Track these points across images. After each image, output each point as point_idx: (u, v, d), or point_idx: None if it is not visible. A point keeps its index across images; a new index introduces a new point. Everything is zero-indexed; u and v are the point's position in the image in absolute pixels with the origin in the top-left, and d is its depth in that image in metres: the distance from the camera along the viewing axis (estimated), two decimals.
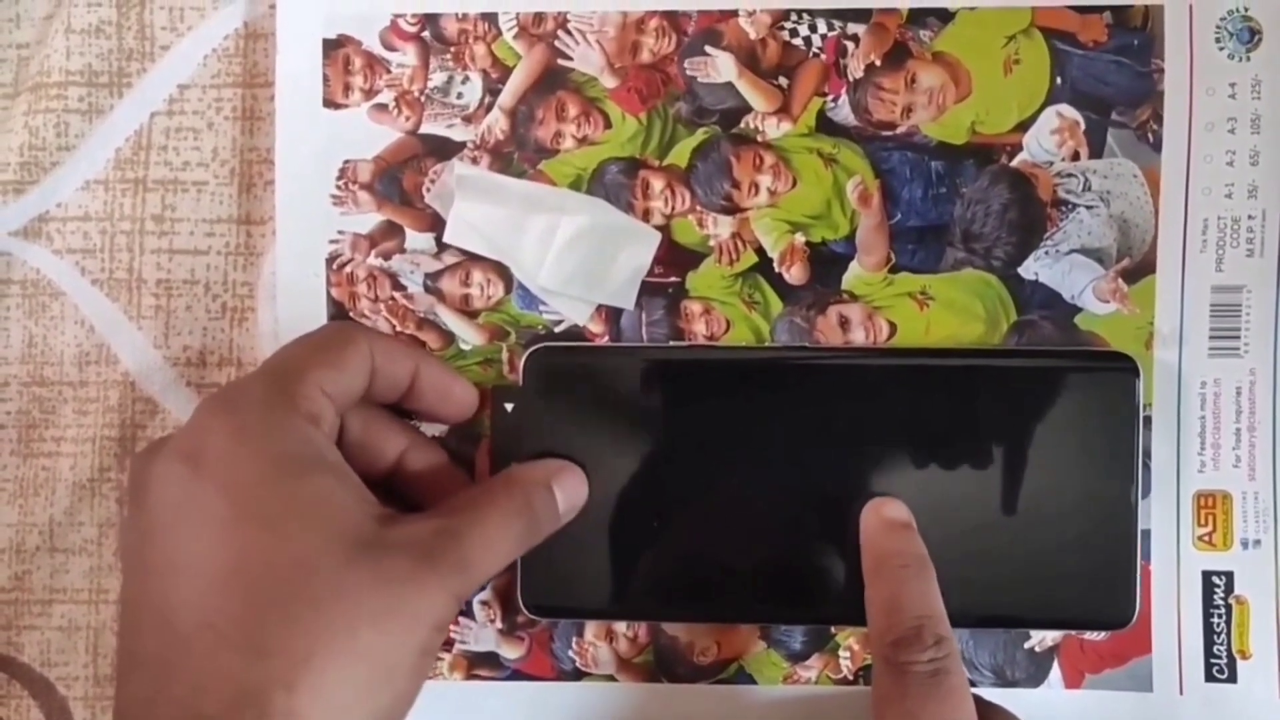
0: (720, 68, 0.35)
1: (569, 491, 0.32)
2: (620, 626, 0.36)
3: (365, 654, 0.26)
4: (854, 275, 0.35)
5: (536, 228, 0.35)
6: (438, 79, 0.35)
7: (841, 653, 0.35)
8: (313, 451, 0.28)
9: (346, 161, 0.36)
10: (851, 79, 0.35)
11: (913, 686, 0.29)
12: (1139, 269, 0.35)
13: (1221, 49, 0.34)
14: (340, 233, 0.36)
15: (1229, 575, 0.34)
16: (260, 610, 0.25)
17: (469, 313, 0.36)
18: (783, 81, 0.35)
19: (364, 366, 0.31)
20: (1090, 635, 0.35)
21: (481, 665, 0.36)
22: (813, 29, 0.35)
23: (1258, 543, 0.34)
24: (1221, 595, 0.34)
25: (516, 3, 0.35)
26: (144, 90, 0.37)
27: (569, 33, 0.35)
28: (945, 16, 0.35)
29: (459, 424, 0.35)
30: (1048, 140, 0.35)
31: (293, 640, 0.25)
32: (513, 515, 0.30)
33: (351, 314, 0.36)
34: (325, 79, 0.36)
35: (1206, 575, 0.34)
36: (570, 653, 0.36)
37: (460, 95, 0.35)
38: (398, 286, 0.36)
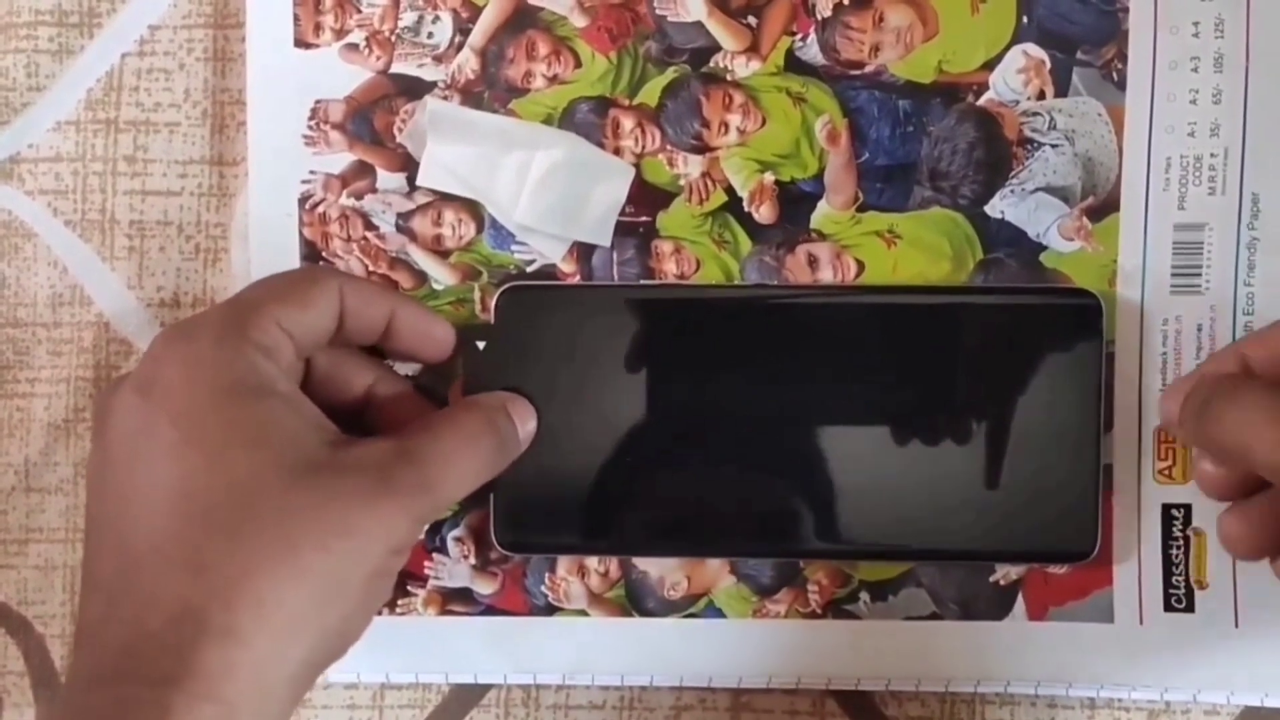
0: (689, 6, 0.35)
1: (523, 418, 0.33)
2: (592, 562, 0.36)
3: (308, 573, 0.26)
4: (822, 214, 0.35)
5: (511, 165, 0.35)
6: (408, 18, 0.35)
7: (810, 587, 0.36)
8: (261, 380, 0.28)
9: (318, 101, 0.36)
10: (820, 18, 0.35)
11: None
12: (1103, 207, 0.35)
13: None
14: (312, 173, 0.36)
15: (1187, 508, 0.35)
16: (204, 531, 0.26)
17: (441, 252, 0.36)
18: (752, 20, 0.35)
19: (330, 307, 0.31)
20: (1053, 568, 0.35)
21: (455, 601, 0.36)
22: None
23: None
24: (1180, 527, 0.35)
25: None
26: (114, 31, 0.37)
27: None
28: None
29: (438, 364, 0.35)
30: (1014, 79, 0.35)
31: (233, 559, 0.26)
32: (476, 436, 0.31)
33: (324, 254, 0.36)
34: (296, 19, 0.36)
35: (1166, 508, 0.35)
36: (543, 588, 0.36)
37: (431, 35, 0.36)
38: (370, 226, 0.36)
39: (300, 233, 0.36)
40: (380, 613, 0.36)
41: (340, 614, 0.27)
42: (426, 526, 0.32)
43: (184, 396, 0.27)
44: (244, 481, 0.26)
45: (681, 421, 0.35)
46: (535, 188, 0.35)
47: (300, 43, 0.36)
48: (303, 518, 0.26)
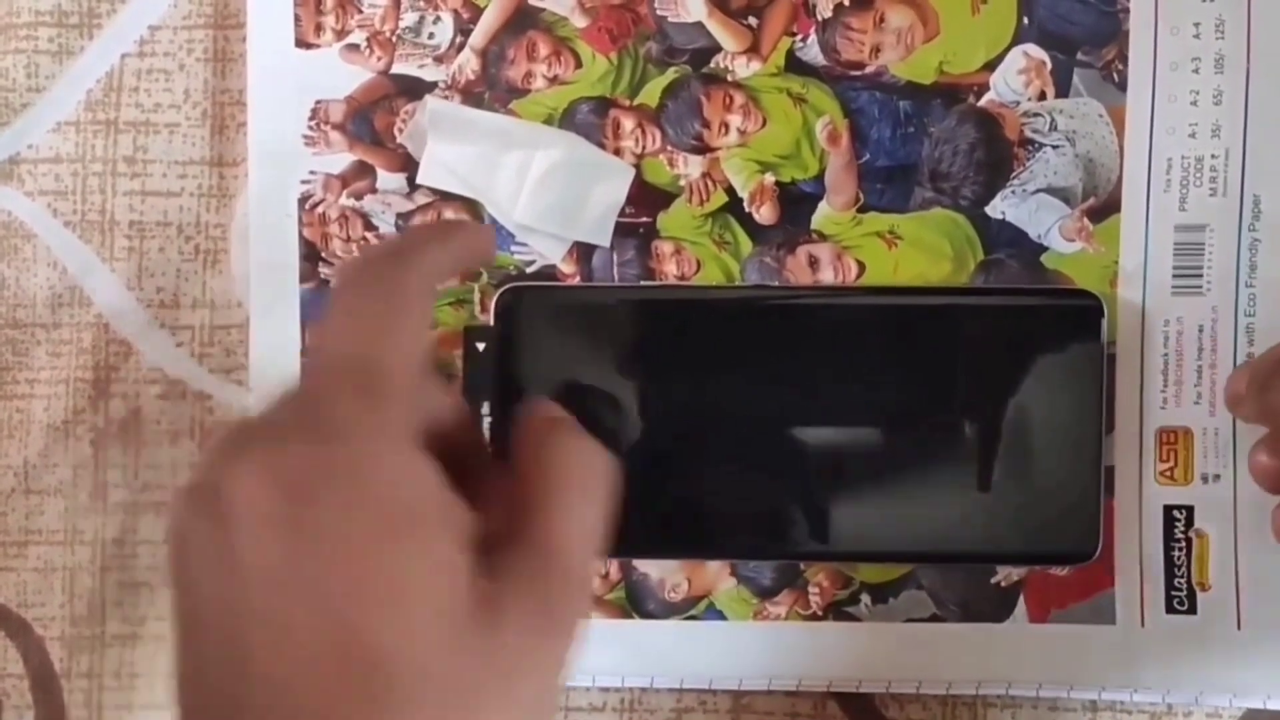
0: (690, 7, 0.35)
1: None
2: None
3: None
4: (823, 215, 0.35)
5: (510, 164, 0.35)
6: (409, 19, 0.35)
7: (810, 589, 0.36)
8: (417, 494, 0.21)
9: (318, 102, 0.36)
10: (820, 18, 0.35)
11: None
12: (1104, 208, 0.35)
13: None
14: (312, 173, 0.36)
15: (1189, 509, 0.35)
16: (363, 711, 0.20)
17: None
18: (752, 21, 0.35)
19: (428, 307, 0.25)
20: (1055, 570, 0.35)
21: None
22: None
23: (1217, 477, 0.35)
24: (1182, 529, 0.35)
25: None
26: (114, 31, 0.37)
27: None
28: None
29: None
30: (1015, 80, 0.35)
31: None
32: (592, 500, 0.25)
33: (323, 254, 0.36)
34: (297, 19, 0.36)
35: (1168, 509, 0.35)
36: None
37: (432, 35, 0.36)
38: (370, 227, 0.36)
39: (300, 233, 0.36)
40: None
41: None
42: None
43: (295, 535, 0.20)
44: (396, 650, 0.20)
45: (682, 423, 0.34)
46: (535, 187, 0.35)
47: (301, 43, 0.36)
48: (479, 680, 0.21)
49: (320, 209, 0.36)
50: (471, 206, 0.36)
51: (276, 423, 0.22)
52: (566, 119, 0.35)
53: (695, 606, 0.36)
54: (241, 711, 0.20)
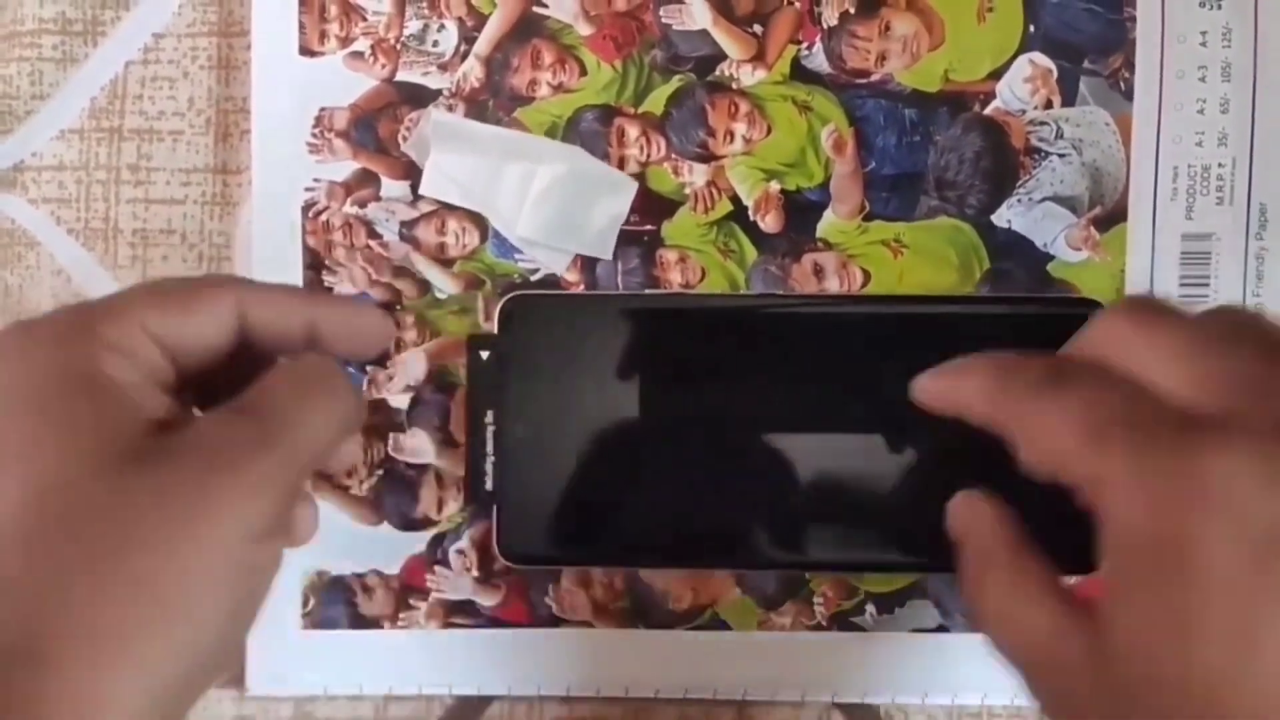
0: (695, 15, 0.35)
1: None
2: (596, 573, 0.36)
3: (137, 582, 0.22)
4: (828, 223, 0.35)
5: (513, 176, 0.35)
6: (413, 26, 0.35)
7: (815, 599, 0.36)
8: (89, 375, 0.23)
9: (322, 109, 0.36)
10: (826, 26, 0.35)
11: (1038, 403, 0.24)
12: (1110, 217, 0.35)
13: None
14: (316, 180, 0.36)
15: None
16: (12, 550, 0.22)
17: (444, 261, 0.36)
18: (757, 29, 0.35)
19: (220, 317, 0.26)
20: (1063, 580, 0.35)
21: (458, 613, 0.36)
22: None
23: None
24: None
25: None
26: (119, 39, 0.37)
27: None
28: None
29: (373, 358, 0.33)
30: (1020, 88, 0.35)
31: (41, 576, 0.22)
32: (316, 377, 0.26)
33: (327, 261, 0.36)
34: (301, 27, 0.36)
35: None
36: (547, 599, 0.36)
37: (436, 43, 0.35)
38: (373, 234, 0.36)
39: (304, 241, 0.36)
40: (382, 625, 0.36)
41: (194, 625, 0.23)
42: (307, 510, 0.27)
43: (6, 398, 0.23)
44: (52, 486, 0.22)
45: (685, 433, 0.34)
46: (537, 201, 0.35)
47: (305, 51, 0.36)
48: (123, 519, 0.22)
49: (324, 216, 0.36)
50: (475, 215, 0.36)
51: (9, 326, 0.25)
52: (571, 127, 0.35)
53: (700, 617, 0.36)
54: None
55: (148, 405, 0.24)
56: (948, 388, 0.27)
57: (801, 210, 0.35)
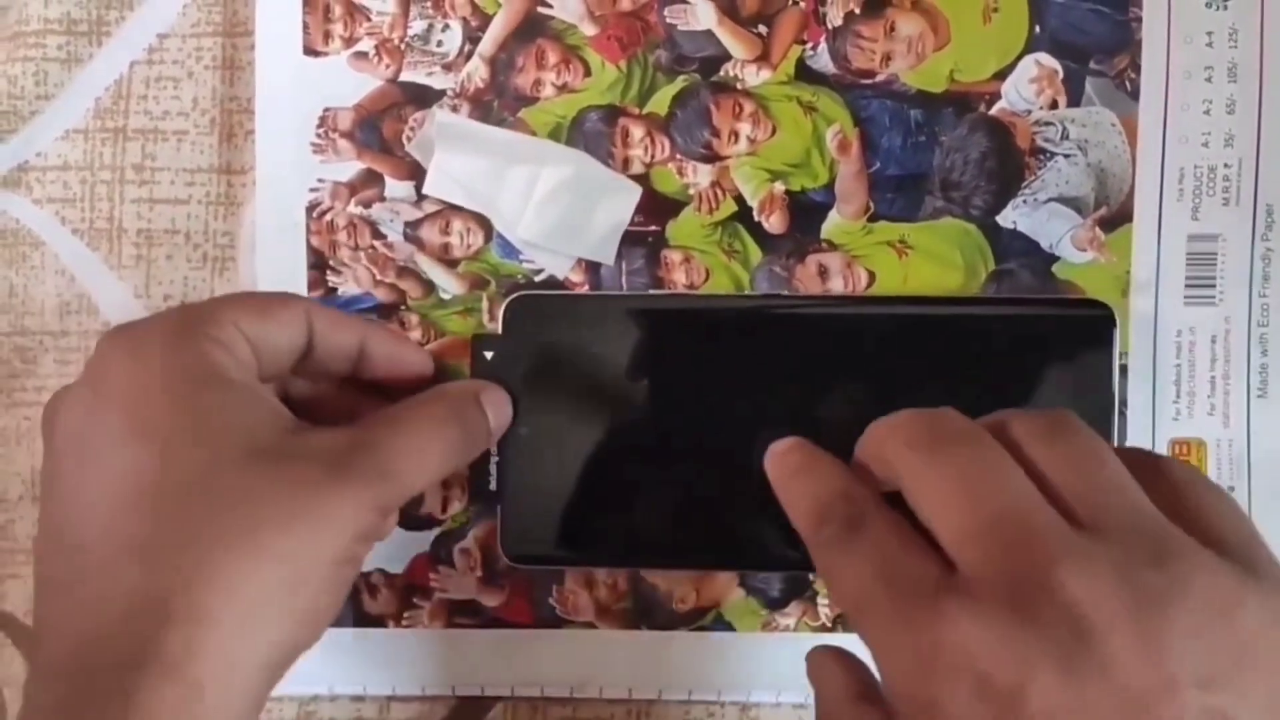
0: (700, 15, 0.35)
1: (497, 408, 0.32)
2: (600, 574, 0.36)
3: (270, 555, 0.26)
4: (833, 224, 0.35)
5: (517, 179, 0.35)
6: (418, 27, 0.35)
7: (820, 600, 0.36)
8: (213, 369, 0.27)
9: (327, 109, 0.36)
10: (831, 27, 0.35)
11: (822, 560, 0.26)
12: (1116, 218, 0.35)
13: None
14: (320, 181, 0.36)
15: None
16: (157, 521, 0.25)
17: (449, 261, 0.36)
18: (762, 29, 0.35)
19: (296, 325, 0.30)
20: None
21: (461, 613, 0.36)
22: None
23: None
24: None
25: None
26: (123, 39, 0.37)
27: None
28: None
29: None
30: (1026, 89, 0.35)
31: (191, 545, 0.25)
32: (439, 423, 0.30)
33: (331, 262, 0.36)
34: (305, 27, 0.36)
35: None
36: (550, 600, 0.36)
37: (440, 43, 0.35)
38: (377, 235, 0.36)
39: (308, 241, 0.36)
40: (386, 624, 0.36)
41: (307, 598, 0.26)
42: (394, 517, 0.31)
43: (132, 388, 0.27)
44: (197, 469, 0.26)
45: (689, 433, 0.34)
46: (540, 204, 0.35)
47: (309, 51, 0.36)
48: (261, 502, 0.26)
49: (328, 217, 0.36)
50: (478, 216, 0.36)
51: (109, 333, 0.29)
52: (575, 127, 0.35)
53: (703, 617, 0.36)
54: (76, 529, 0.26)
55: (268, 403, 0.28)
56: (779, 486, 0.29)
57: (806, 211, 0.35)
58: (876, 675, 0.24)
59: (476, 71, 0.35)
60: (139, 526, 0.25)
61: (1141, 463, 0.24)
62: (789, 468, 0.28)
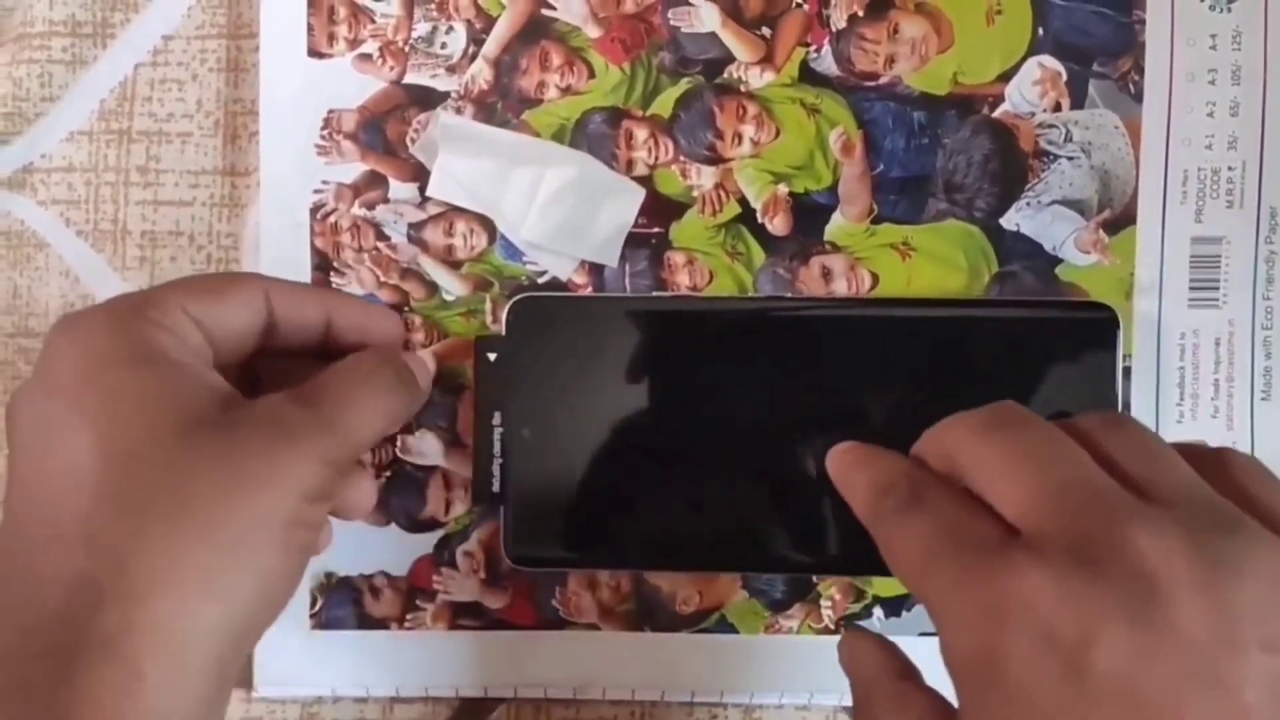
0: (703, 17, 0.35)
1: (418, 364, 0.32)
2: (603, 576, 0.36)
3: (208, 529, 0.25)
4: (836, 226, 0.35)
5: (521, 181, 0.35)
6: (422, 29, 0.35)
7: (823, 602, 0.36)
8: (152, 349, 0.27)
9: (331, 111, 0.36)
10: (834, 29, 0.35)
11: (884, 532, 0.26)
12: (1119, 220, 0.35)
13: (1203, 0, 0.34)
14: (324, 183, 0.36)
15: None
16: (94, 501, 0.25)
17: (452, 263, 0.36)
18: (766, 31, 0.35)
19: (251, 305, 0.30)
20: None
21: (464, 615, 0.36)
22: None
23: None
24: None
25: None
26: (128, 41, 0.37)
27: None
28: None
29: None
30: (1029, 91, 0.35)
31: (124, 523, 0.25)
32: (371, 371, 0.30)
33: (335, 263, 0.36)
34: (310, 29, 0.36)
35: None
36: (553, 602, 0.36)
37: (444, 45, 0.35)
38: (381, 236, 0.36)
39: (312, 243, 0.36)
40: (389, 627, 0.36)
41: (257, 567, 0.26)
42: (341, 472, 0.29)
43: (73, 373, 0.26)
44: (133, 447, 0.25)
45: (693, 435, 0.34)
46: (543, 205, 0.35)
47: (313, 53, 0.36)
48: (196, 475, 0.25)
49: (332, 218, 0.36)
50: (481, 218, 0.36)
51: (56, 323, 0.28)
52: (579, 129, 0.35)
53: (707, 619, 0.36)
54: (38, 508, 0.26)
55: (208, 379, 0.27)
56: (840, 482, 0.29)
57: (810, 213, 0.35)
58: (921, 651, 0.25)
59: (480, 73, 0.35)
60: (78, 508, 0.25)
61: (1201, 455, 0.25)
62: (850, 460, 0.29)
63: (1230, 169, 0.34)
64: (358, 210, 0.36)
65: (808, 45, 0.35)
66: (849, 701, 0.35)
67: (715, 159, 0.35)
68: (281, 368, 0.32)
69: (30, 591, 0.25)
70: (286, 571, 0.27)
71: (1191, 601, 0.21)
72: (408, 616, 0.36)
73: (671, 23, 0.35)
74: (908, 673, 0.27)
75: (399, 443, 0.36)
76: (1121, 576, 0.21)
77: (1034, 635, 0.21)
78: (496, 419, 0.34)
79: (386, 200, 0.36)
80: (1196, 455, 0.24)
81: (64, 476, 0.26)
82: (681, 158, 0.35)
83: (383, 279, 0.36)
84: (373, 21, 0.35)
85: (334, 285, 0.36)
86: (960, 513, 0.24)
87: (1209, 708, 0.20)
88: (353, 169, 0.36)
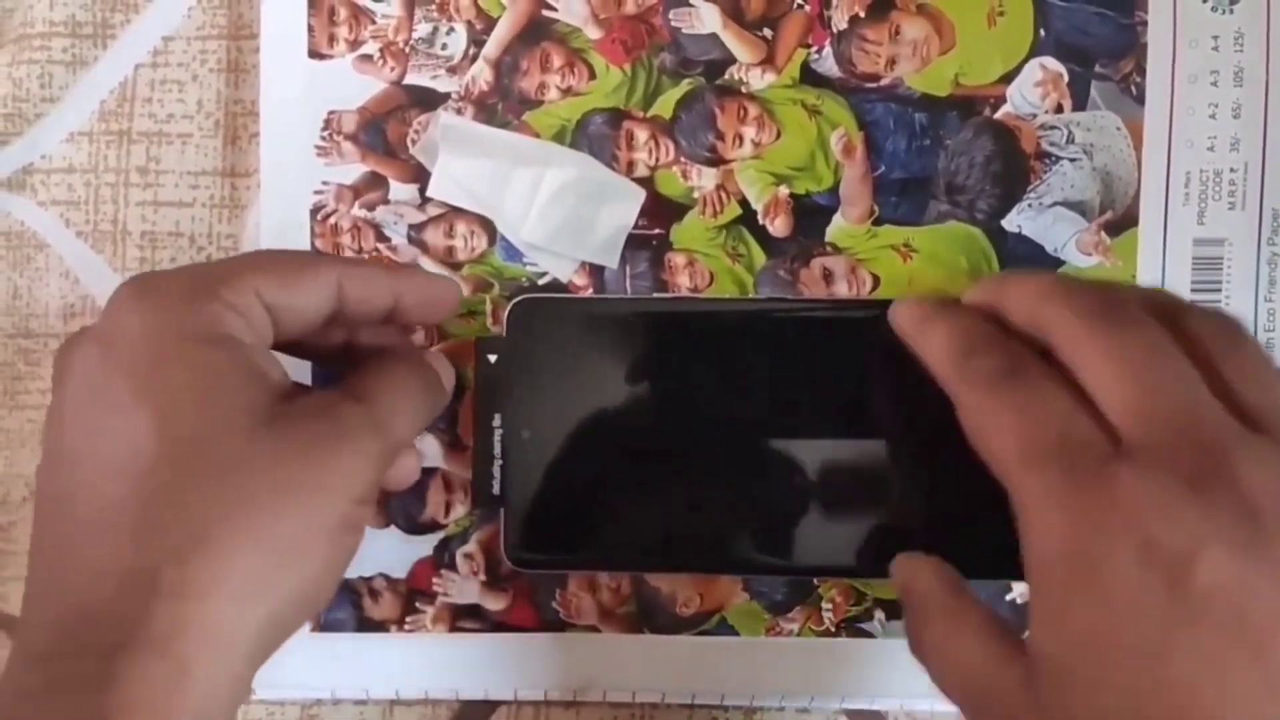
0: (704, 19, 0.35)
1: (442, 364, 0.32)
2: (603, 578, 0.36)
3: (265, 528, 0.25)
4: (837, 227, 0.35)
5: (521, 182, 0.35)
6: (422, 29, 0.35)
7: (824, 605, 0.36)
8: (222, 332, 0.26)
9: (331, 112, 0.36)
10: (835, 30, 0.35)
11: (973, 399, 0.26)
12: (1121, 222, 0.35)
13: (1205, 1, 0.34)
14: (325, 184, 0.36)
15: None
16: (153, 491, 0.25)
17: (453, 264, 0.36)
18: (767, 33, 0.35)
19: (323, 293, 0.29)
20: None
21: (464, 617, 0.36)
22: None
23: None
24: None
25: None
26: (128, 42, 0.37)
27: None
28: None
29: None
30: (1031, 92, 0.35)
31: (184, 518, 0.24)
32: (413, 375, 0.30)
33: None
34: (310, 30, 0.36)
35: None
36: (553, 604, 0.36)
37: (445, 46, 0.35)
38: (382, 238, 0.36)
39: (312, 244, 0.36)
40: (389, 629, 0.36)
41: (305, 570, 0.26)
42: (384, 473, 0.29)
43: (139, 348, 0.26)
44: (194, 437, 0.25)
45: (692, 437, 0.34)
46: (544, 206, 0.35)
47: (314, 54, 0.36)
48: (256, 471, 0.25)
49: (332, 220, 0.36)
50: (482, 219, 0.35)
51: (125, 285, 0.27)
52: (580, 130, 0.35)
53: (707, 621, 0.36)
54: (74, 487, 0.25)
55: (271, 370, 0.27)
56: (914, 332, 0.29)
57: (810, 214, 0.35)
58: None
59: (481, 74, 0.35)
60: (134, 497, 0.25)
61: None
62: (922, 312, 0.29)
63: (1232, 171, 0.34)
64: (358, 211, 0.36)
65: (809, 46, 0.35)
66: (850, 704, 0.35)
67: (716, 160, 0.35)
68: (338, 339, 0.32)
69: (78, 579, 0.25)
70: (332, 572, 0.27)
71: None
72: (407, 619, 0.36)
73: (672, 24, 0.35)
74: (962, 589, 0.27)
75: None
76: (1228, 503, 0.22)
77: (1139, 544, 0.22)
78: (496, 420, 0.34)
79: (387, 201, 0.36)
80: None
81: (120, 461, 0.25)
82: (682, 159, 0.35)
83: None
84: (373, 22, 0.35)
85: None
86: (1068, 406, 0.24)
87: None
88: (353, 170, 0.36)
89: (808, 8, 0.35)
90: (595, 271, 0.35)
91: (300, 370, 0.34)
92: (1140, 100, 0.34)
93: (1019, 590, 0.35)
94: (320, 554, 0.26)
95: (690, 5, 0.35)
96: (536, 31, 0.35)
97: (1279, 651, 0.21)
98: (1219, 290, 0.34)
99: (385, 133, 0.36)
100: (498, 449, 0.34)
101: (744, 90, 0.35)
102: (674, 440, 0.34)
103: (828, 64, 0.35)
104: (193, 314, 0.26)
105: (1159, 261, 0.35)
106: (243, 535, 0.25)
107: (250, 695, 0.27)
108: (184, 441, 0.25)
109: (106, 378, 0.26)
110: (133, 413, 0.25)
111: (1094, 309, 0.25)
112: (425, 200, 0.36)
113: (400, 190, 0.36)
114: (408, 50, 0.35)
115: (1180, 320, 0.25)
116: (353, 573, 0.36)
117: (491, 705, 0.36)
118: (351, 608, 0.36)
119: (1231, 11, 0.34)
